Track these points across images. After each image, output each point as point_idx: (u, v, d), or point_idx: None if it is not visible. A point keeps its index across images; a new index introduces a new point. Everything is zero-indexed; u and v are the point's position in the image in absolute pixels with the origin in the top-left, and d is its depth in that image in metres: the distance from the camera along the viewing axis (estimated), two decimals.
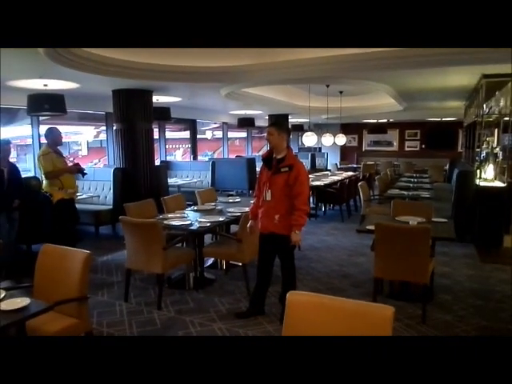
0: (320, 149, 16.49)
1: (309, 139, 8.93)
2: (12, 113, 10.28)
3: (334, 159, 16.73)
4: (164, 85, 6.71)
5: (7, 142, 4.86)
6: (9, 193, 4.67)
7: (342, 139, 10.27)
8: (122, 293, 4.17)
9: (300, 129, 14.29)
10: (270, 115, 12.37)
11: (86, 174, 5.50)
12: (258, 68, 5.72)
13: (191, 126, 12.02)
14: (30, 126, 7.61)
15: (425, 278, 3.60)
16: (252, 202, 4.99)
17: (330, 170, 13.14)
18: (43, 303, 2.29)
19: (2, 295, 2.28)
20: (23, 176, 5.26)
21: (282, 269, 3.67)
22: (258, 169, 10.47)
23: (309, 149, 14.95)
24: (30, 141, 8.65)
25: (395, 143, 17.02)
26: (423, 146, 16.42)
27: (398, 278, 3.91)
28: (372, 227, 3.78)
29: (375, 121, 14.83)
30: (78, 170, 5.39)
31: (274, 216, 3.45)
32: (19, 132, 13.83)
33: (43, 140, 5.98)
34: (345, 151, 17.62)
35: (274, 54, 5.34)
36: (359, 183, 7.46)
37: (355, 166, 15.05)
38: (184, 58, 5.48)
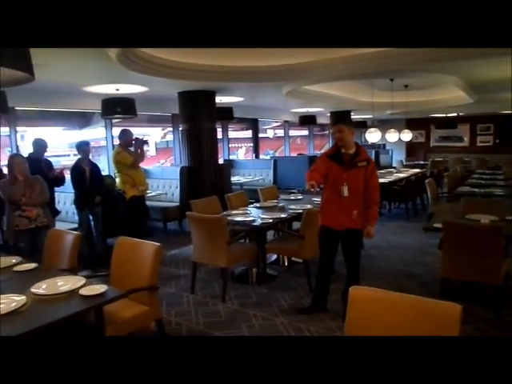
0: (384, 145, 16.00)
1: (372, 135, 8.73)
2: (87, 116, 11.05)
3: (399, 156, 16.13)
4: (227, 85, 6.89)
5: (87, 143, 5.28)
6: (91, 190, 5.08)
7: (407, 135, 9.91)
8: (188, 285, 4.36)
9: (363, 125, 13.96)
10: (331, 112, 12.21)
11: (146, 141, 5.72)
12: (319, 65, 5.70)
13: (253, 125, 12.20)
14: (104, 128, 8.15)
15: (497, 279, 3.40)
16: (314, 200, 5.03)
17: (395, 167, 12.72)
18: (118, 290, 2.47)
19: (83, 282, 2.49)
20: None
21: (347, 265, 3.63)
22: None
23: (372, 145, 14.56)
24: (102, 143, 9.27)
25: (466, 138, 16.03)
26: (497, 141, 15.34)
27: (467, 279, 3.69)
28: (440, 225, 3.64)
29: (443, 115, 14.10)
30: (142, 142, 5.59)
31: (351, 212, 3.44)
32: (93, 135, 14.83)
33: (116, 141, 6.39)
34: (411, 147, 16.92)
35: (335, 49, 5.29)
36: (426, 180, 7.16)
37: (422, 162, 14.40)
38: (246, 58, 5.59)
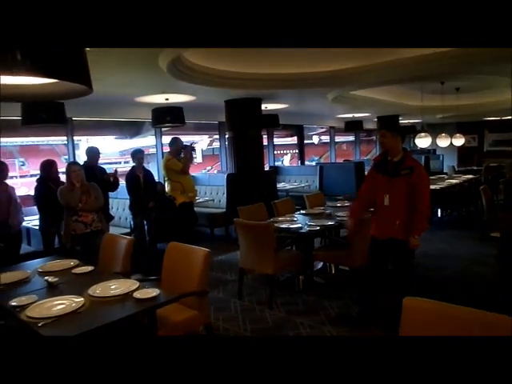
0: (434, 150, 15.45)
1: (422, 141, 8.47)
2: (138, 125, 11.50)
3: (450, 161, 15.50)
4: (273, 93, 6.94)
5: (141, 151, 5.51)
6: (145, 196, 5.28)
7: (459, 140, 9.54)
8: (235, 291, 4.40)
9: (412, 130, 13.55)
10: (378, 117, 11.97)
11: (194, 148, 5.86)
12: (366, 69, 5.62)
13: (298, 131, 12.17)
14: (154, 136, 8.42)
15: None
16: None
17: (446, 173, 12.24)
18: (169, 294, 2.54)
19: (137, 285, 2.58)
20: None
21: (396, 275, 3.53)
22: (366, 173, 10.17)
23: (422, 151, 14.10)
24: (151, 150, 9.62)
25: None
26: None
27: None
28: (497, 235, 3.46)
29: (498, 118, 13.43)
30: (192, 149, 5.77)
31: (394, 221, 3.34)
32: (143, 143, 15.41)
33: (165, 149, 6.59)
34: (463, 152, 16.19)
35: (383, 53, 5.19)
36: (481, 187, 6.84)
37: (475, 168, 13.77)
38: (292, 65, 5.61)
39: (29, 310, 2.26)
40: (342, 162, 13.26)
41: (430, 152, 15.19)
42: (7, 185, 4.63)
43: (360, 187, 3.71)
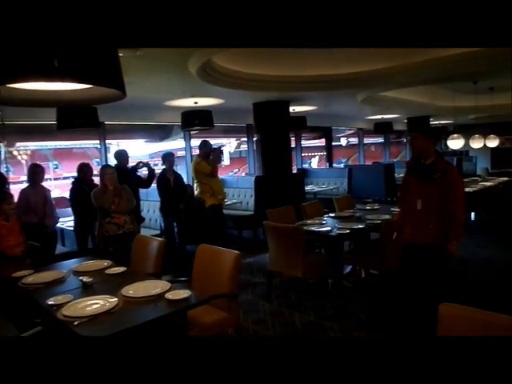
0: (467, 152, 15.03)
1: (455, 142, 8.26)
2: (167, 129, 11.69)
3: (483, 163, 15.05)
4: (301, 95, 6.92)
5: (172, 154, 5.61)
6: (175, 198, 5.37)
7: (493, 141, 9.26)
8: (264, 293, 4.40)
9: (443, 131, 13.23)
10: (408, 118, 11.74)
11: (222, 149, 5.92)
12: (397, 70, 5.53)
13: (326, 133, 12.08)
14: (183, 139, 8.53)
15: None
16: (393, 210, 4.86)
17: (479, 176, 11.89)
18: (201, 296, 2.56)
19: (168, 286, 2.61)
20: None
21: (429, 280, 3.44)
22: (396, 175, 10.03)
23: (454, 152, 13.74)
24: (179, 153, 9.75)
25: None
26: None
27: None
28: None
29: None
30: (220, 152, 5.84)
31: (427, 226, 3.26)
32: (171, 146, 15.65)
33: (194, 152, 6.68)
34: (497, 154, 15.68)
35: (414, 53, 5.10)
36: None
37: (510, 170, 13.31)
38: (320, 66, 5.58)
39: (65, 308, 2.33)
40: (370, 164, 13.09)
41: (463, 154, 14.79)
42: (43, 187, 4.80)
43: (398, 197, 3.66)
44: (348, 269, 5.15)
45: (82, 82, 2.03)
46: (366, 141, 15.31)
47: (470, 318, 1.78)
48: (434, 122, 12.44)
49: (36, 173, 4.69)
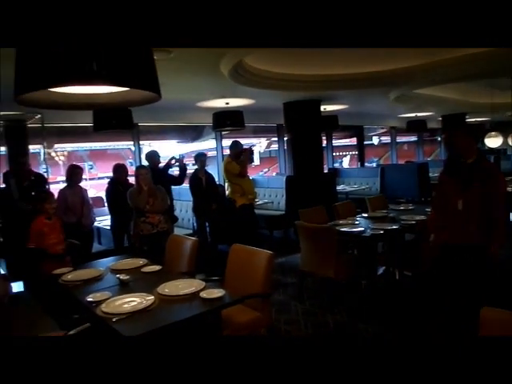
0: (505, 150, 14.49)
1: (492, 140, 8.01)
2: (198, 130, 11.84)
3: None
4: (332, 94, 6.85)
5: (204, 155, 5.68)
6: (207, 198, 5.43)
7: None
8: (296, 293, 4.39)
9: (480, 129, 12.80)
10: (443, 116, 11.43)
11: (252, 150, 5.93)
12: (432, 67, 5.39)
13: (358, 132, 11.92)
14: (214, 140, 8.62)
15: None
16: (427, 210, 4.75)
17: None
18: (234, 295, 2.58)
19: (203, 285, 2.64)
20: None
21: (468, 283, 3.33)
22: (430, 174, 9.78)
23: (491, 151, 13.26)
24: (211, 153, 9.86)
25: None
26: None
27: None
28: None
29: None
30: (250, 153, 5.86)
31: (468, 227, 3.16)
32: (203, 146, 15.84)
33: (225, 152, 6.74)
34: None
35: (448, 49, 4.94)
36: None
37: None
38: (352, 65, 5.51)
39: (104, 305, 2.39)
40: (403, 163, 12.82)
41: (500, 152, 14.27)
42: (80, 187, 4.95)
43: (432, 198, 3.56)
44: (381, 270, 5.06)
45: (120, 85, 2.08)
46: (399, 139, 15.00)
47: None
48: (469, 120, 12.05)
49: (75, 173, 4.84)
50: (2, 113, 5.25)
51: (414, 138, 15.46)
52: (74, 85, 2.08)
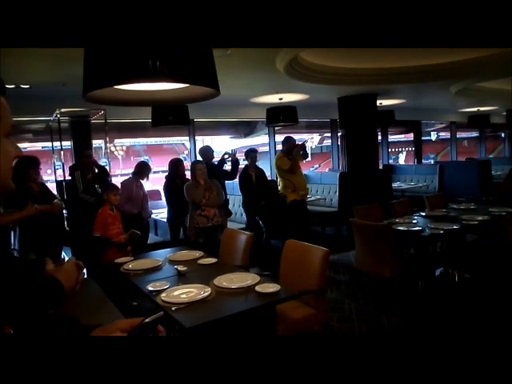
0: None
1: None
2: (251, 125, 11.92)
3: None
4: (389, 88, 6.65)
5: (254, 151, 5.71)
6: (257, 194, 5.47)
7: None
8: (349, 292, 4.33)
9: None
10: (508, 110, 10.76)
11: (305, 147, 5.87)
12: (498, 58, 5.07)
13: (415, 127, 11.49)
14: (267, 135, 8.65)
15: None
16: (491, 210, 4.51)
17: None
18: (289, 291, 2.58)
19: (258, 279, 2.67)
20: None
21: None
22: (493, 173, 9.27)
23: None
24: (261, 149, 9.89)
25: None
26: None
27: None
28: None
29: None
30: (302, 148, 5.80)
31: None
32: (256, 141, 15.93)
33: (278, 147, 6.74)
34: None
35: None
36: None
37: None
38: (410, 57, 5.30)
39: (164, 294, 2.48)
40: (464, 160, 12.21)
41: None
42: (140, 181, 5.15)
43: None
44: (439, 271, 4.87)
45: (181, 81, 2.13)
46: (459, 135, 14.30)
47: None
48: None
49: (145, 169, 5.08)
50: (69, 109, 5.57)
51: (474, 134, 14.68)
52: (137, 82, 2.15)
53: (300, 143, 5.88)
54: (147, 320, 0.83)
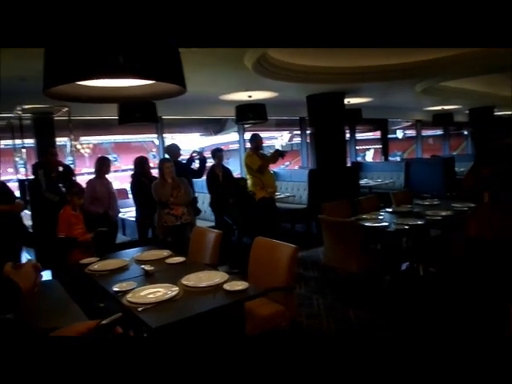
0: None
1: None
2: (221, 123, 11.85)
3: None
4: (356, 86, 6.75)
5: (220, 150, 5.69)
6: (224, 193, 5.45)
7: None
8: (317, 288, 4.38)
9: (510, 123, 12.42)
10: (470, 109, 11.14)
11: (284, 154, 5.92)
12: (459, 59, 5.24)
13: (382, 125, 11.73)
14: (236, 133, 8.63)
15: None
16: (454, 205, 4.66)
17: None
18: (257, 288, 2.58)
19: (226, 278, 2.66)
20: None
21: (498, 278, 3.26)
22: (457, 169, 9.57)
23: None
24: (232, 146, 9.89)
25: None
26: None
27: None
28: None
29: None
30: (280, 154, 5.84)
31: (493, 220, 3.11)
32: (224, 139, 15.87)
33: (247, 145, 6.75)
34: None
35: None
36: None
37: None
38: (378, 56, 5.40)
39: (130, 295, 2.43)
40: (429, 157, 12.56)
41: None
42: (107, 179, 5.03)
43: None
44: (405, 266, 4.99)
45: (146, 78, 2.09)
46: (424, 133, 14.70)
47: None
48: (498, 113, 11.71)
49: (104, 165, 4.93)
50: (31, 106, 5.38)
51: (439, 132, 15.12)
52: (100, 78, 2.09)
53: (282, 151, 6.03)
54: (104, 322, 0.81)
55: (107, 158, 5.18)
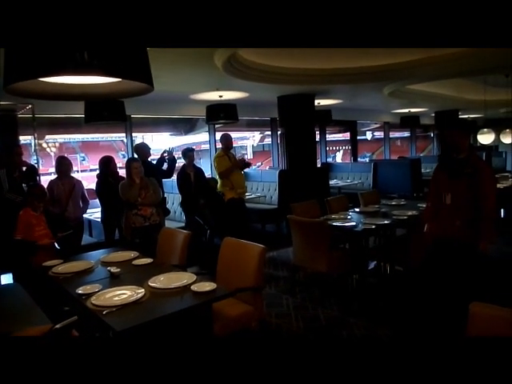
0: (497, 147, 14.58)
1: (485, 137, 8.06)
2: (192, 122, 11.77)
3: None
4: (326, 88, 6.84)
5: (191, 150, 5.63)
6: (195, 193, 5.39)
7: None
8: (287, 287, 4.40)
9: (473, 125, 12.86)
10: (436, 112, 11.48)
11: (250, 165, 6.02)
12: (426, 62, 5.39)
13: (351, 127, 11.93)
14: (207, 133, 8.58)
15: None
16: (420, 205, 4.78)
17: (510, 172, 11.53)
18: (226, 289, 2.57)
19: (194, 279, 2.63)
20: None
21: (458, 278, 3.36)
22: (423, 170, 9.84)
23: (482, 147, 13.32)
24: (203, 146, 9.82)
25: None
26: None
27: None
28: None
29: None
30: (244, 165, 5.90)
31: (454, 221, 3.21)
32: (196, 139, 15.75)
33: (218, 145, 6.73)
34: None
35: None
36: None
37: None
38: (347, 59, 5.49)
39: (94, 298, 2.38)
40: (396, 158, 12.87)
41: (492, 149, 14.36)
42: (72, 178, 4.86)
43: (428, 192, 3.61)
44: (372, 265, 5.09)
45: (111, 75, 2.04)
46: (392, 135, 15.03)
47: (501, 317, 1.73)
48: (462, 116, 12.12)
49: (63, 165, 4.78)
50: None
51: (407, 134, 15.50)
52: (64, 75, 2.03)
53: (248, 161, 6.10)
54: (57, 326, 0.78)
55: (66, 158, 5.03)
